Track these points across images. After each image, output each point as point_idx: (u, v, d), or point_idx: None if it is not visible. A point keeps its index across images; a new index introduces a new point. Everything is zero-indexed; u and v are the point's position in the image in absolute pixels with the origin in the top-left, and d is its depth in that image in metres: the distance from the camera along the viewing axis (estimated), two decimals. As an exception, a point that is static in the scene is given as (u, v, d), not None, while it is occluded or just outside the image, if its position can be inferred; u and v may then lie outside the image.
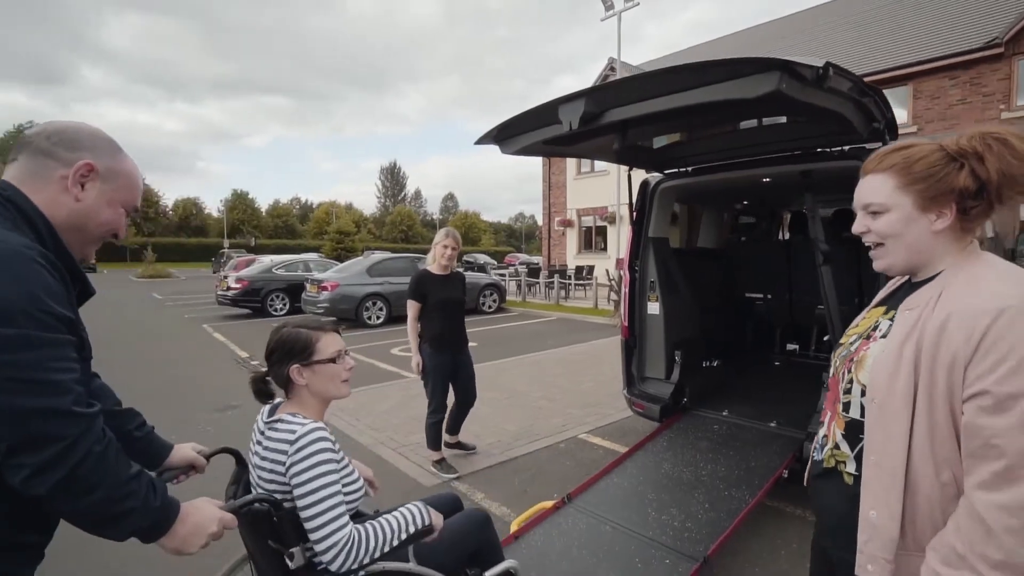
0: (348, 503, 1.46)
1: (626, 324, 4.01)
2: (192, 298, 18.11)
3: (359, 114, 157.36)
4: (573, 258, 21.75)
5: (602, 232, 22.11)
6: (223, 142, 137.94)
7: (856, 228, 1.15)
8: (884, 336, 1.11)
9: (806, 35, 19.06)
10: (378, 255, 13.66)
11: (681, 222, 4.92)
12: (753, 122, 3.09)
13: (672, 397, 3.74)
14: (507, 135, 2.83)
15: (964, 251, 1.07)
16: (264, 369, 1.58)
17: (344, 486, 1.45)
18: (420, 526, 1.55)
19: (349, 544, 1.38)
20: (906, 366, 1.01)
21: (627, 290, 3.99)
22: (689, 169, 3.80)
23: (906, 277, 1.18)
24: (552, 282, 14.72)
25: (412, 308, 3.76)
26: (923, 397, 0.99)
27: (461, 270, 4.18)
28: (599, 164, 20.37)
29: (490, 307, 13.31)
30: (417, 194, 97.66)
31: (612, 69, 20.50)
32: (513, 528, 2.68)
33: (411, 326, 3.76)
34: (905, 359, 1.02)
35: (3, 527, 0.99)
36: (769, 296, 5.26)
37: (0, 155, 67.06)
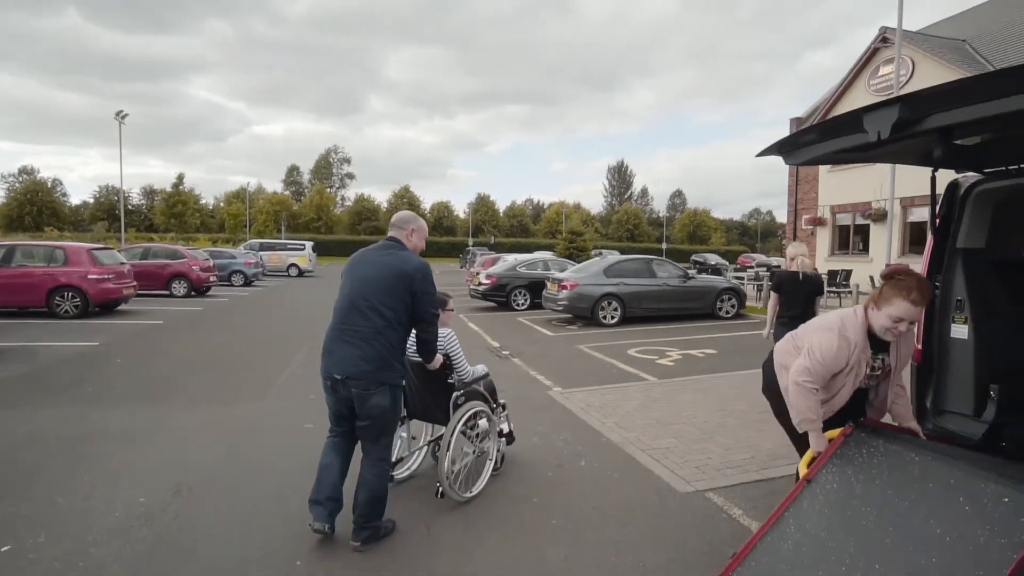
0: None
1: (920, 347, 3.50)
2: (447, 290, 20.88)
3: (589, 115, 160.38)
4: (824, 261, 19.23)
5: (862, 231, 19.12)
6: (470, 150, 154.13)
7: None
8: None
9: None
10: (614, 257, 14.00)
11: (1000, 229, 4.07)
12: None
13: (985, 438, 3.16)
14: (793, 147, 2.74)
15: None
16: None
17: None
18: (484, 373, 3.94)
19: (472, 372, 3.69)
20: None
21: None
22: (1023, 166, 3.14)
23: None
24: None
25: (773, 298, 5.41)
26: None
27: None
28: (864, 153, 17.60)
29: (728, 312, 12.60)
30: (644, 192, 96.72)
31: (885, 40, 17.50)
32: (802, 471, 2.48)
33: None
34: None
35: (403, 350, 3.00)
36: None
37: (315, 173, 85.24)
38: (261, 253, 26.17)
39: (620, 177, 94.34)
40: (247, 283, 21.37)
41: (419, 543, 3.00)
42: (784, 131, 23.07)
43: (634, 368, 7.52)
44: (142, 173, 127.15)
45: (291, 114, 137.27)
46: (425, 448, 4.01)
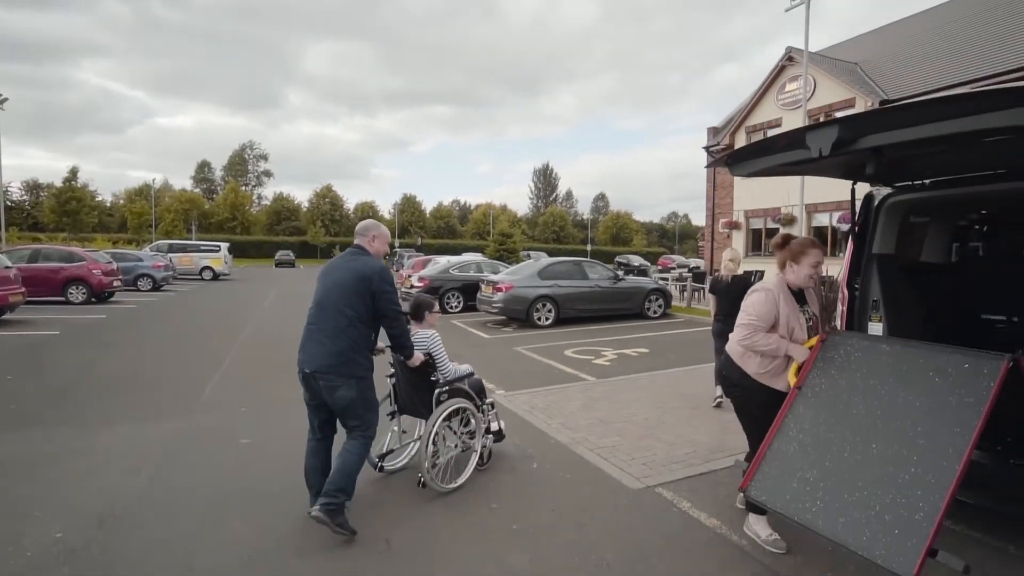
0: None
1: (843, 344, 3.82)
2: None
3: (515, 118, 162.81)
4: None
5: (773, 234, 20.60)
6: (394, 150, 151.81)
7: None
8: None
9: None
10: (547, 259, 14.21)
11: (905, 236, 4.51)
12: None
13: None
14: (740, 159, 2.91)
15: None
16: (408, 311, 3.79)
17: None
18: (468, 372, 3.98)
19: (455, 371, 3.86)
20: None
21: (845, 308, 3.80)
22: (927, 182, 3.51)
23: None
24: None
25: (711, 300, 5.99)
26: None
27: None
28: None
29: (655, 312, 13.16)
30: (568, 195, 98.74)
31: (791, 59, 18.95)
32: (791, 381, 2.80)
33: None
34: None
35: (368, 345, 3.23)
36: (1016, 319, 4.60)
37: (229, 170, 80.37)
38: (171, 255, 24.37)
39: (546, 180, 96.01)
40: (156, 288, 19.82)
41: (379, 558, 2.91)
42: (700, 138, 24.45)
43: (572, 368, 7.68)
44: (22, 165, 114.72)
45: (200, 106, 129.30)
46: (418, 442, 4.06)
